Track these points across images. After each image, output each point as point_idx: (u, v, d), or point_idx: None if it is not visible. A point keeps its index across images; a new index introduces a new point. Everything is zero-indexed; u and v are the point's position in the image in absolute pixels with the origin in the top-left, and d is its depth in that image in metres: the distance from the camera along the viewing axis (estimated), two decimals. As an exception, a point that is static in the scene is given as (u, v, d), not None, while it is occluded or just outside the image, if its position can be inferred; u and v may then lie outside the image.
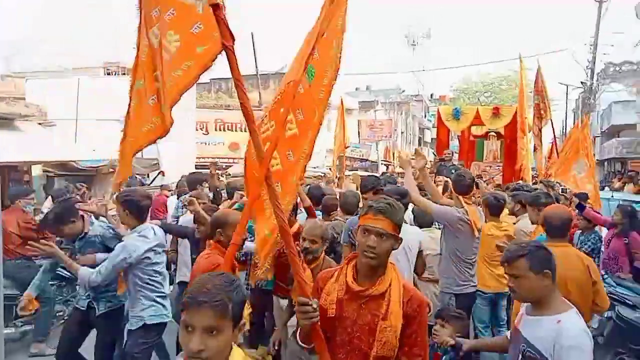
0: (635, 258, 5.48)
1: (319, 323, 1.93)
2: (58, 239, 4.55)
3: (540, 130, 9.96)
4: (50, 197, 7.10)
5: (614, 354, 3.82)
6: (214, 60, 2.29)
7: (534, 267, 2.14)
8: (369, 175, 5.41)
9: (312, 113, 2.42)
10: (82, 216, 3.67)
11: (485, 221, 4.28)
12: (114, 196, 3.71)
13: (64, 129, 11.84)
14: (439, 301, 3.99)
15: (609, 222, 5.94)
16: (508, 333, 2.53)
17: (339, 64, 2.49)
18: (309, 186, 5.89)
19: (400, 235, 1.99)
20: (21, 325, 4.91)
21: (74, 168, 10.66)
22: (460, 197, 3.85)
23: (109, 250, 3.51)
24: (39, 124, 10.46)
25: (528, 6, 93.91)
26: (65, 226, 3.56)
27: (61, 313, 5.05)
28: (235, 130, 21.93)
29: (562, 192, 7.23)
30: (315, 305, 1.89)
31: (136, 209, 3.42)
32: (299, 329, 1.99)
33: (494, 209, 4.30)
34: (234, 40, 2.12)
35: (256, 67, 23.43)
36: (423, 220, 4.39)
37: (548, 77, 10.03)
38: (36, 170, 10.57)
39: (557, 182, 7.42)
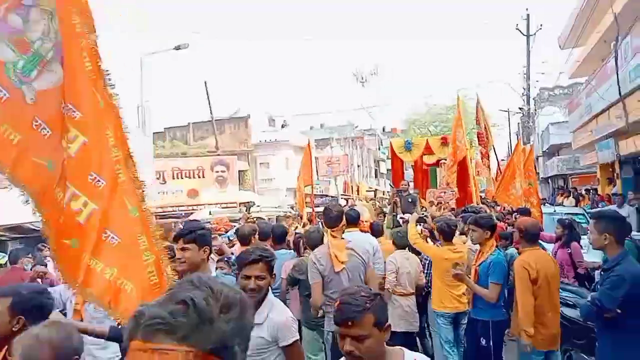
0: (578, 266, 6.00)
1: None
2: None
3: (486, 155, 10.68)
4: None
5: (562, 351, 4.20)
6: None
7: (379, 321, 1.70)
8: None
9: (115, 176, 2.12)
10: None
11: (440, 245, 4.76)
12: None
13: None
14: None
15: (554, 237, 6.49)
16: None
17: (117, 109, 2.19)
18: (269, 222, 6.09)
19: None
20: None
21: (29, 229, 10.35)
22: (329, 230, 3.88)
23: None
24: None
25: (465, 42, 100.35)
26: None
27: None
28: (193, 177, 21.91)
29: (503, 211, 7.80)
30: None
31: None
32: None
33: (446, 234, 4.69)
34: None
35: (211, 113, 23.76)
36: (400, 243, 5.11)
37: (490, 105, 10.94)
38: (-11, 234, 10.18)
39: (495, 203, 8.03)
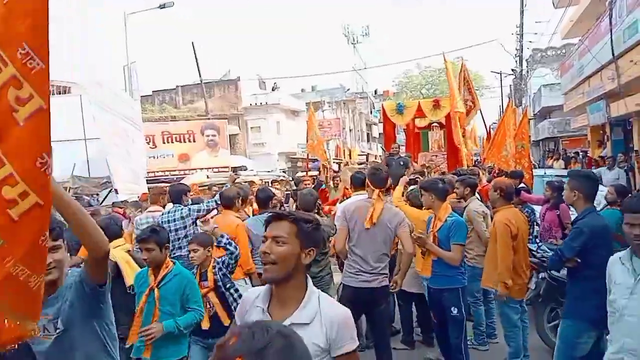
0: (566, 227, 6.11)
1: None
2: None
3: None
4: None
5: (550, 310, 4.37)
6: None
7: None
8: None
9: None
10: None
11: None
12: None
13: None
14: None
15: (542, 199, 6.57)
16: None
17: None
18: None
19: None
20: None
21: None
22: (376, 190, 3.84)
23: None
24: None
25: (458, 1, 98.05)
26: None
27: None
28: (184, 141, 21.67)
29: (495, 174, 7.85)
30: None
31: None
32: None
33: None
34: None
35: (199, 75, 23.26)
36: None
37: (482, 67, 10.82)
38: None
39: (489, 165, 8.09)
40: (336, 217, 3.88)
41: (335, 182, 8.02)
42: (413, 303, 4.93)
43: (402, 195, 5.00)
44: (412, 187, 5.16)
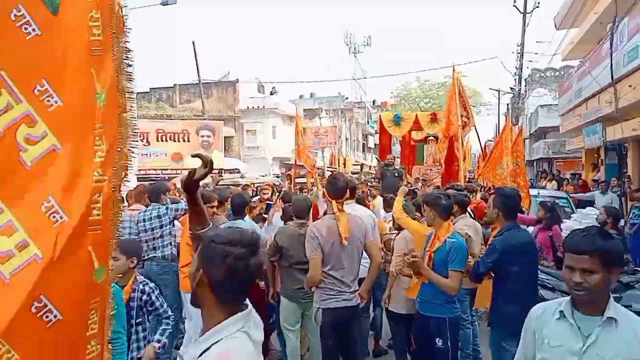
0: (558, 249, 6.02)
1: None
2: None
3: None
4: None
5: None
6: None
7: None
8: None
9: None
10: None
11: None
12: None
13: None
14: None
15: (534, 220, 6.49)
16: None
17: None
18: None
19: None
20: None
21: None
22: (334, 202, 3.61)
23: None
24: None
25: (461, 17, 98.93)
26: None
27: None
28: (178, 141, 21.51)
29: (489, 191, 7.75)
30: None
31: None
32: None
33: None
34: None
35: (198, 75, 23.15)
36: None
37: (481, 83, 10.69)
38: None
39: (480, 183, 7.99)
40: (307, 243, 3.57)
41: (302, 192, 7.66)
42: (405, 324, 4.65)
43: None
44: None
